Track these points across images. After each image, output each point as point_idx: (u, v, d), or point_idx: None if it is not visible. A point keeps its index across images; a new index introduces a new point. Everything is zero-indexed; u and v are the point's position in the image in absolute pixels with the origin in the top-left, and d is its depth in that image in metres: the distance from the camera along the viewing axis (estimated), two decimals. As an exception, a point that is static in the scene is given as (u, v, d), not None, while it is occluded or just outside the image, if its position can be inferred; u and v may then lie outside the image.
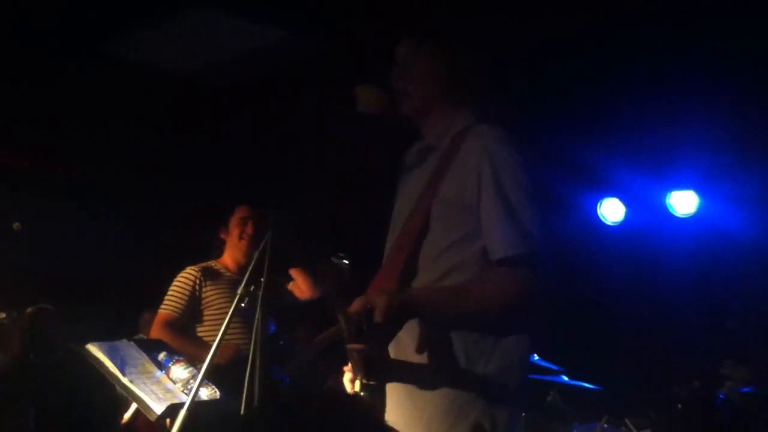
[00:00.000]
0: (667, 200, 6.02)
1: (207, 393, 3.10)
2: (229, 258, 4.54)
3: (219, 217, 4.63)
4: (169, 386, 3.13)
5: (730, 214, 5.81)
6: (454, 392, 2.28)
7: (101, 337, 4.35)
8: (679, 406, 4.89)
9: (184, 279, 4.39)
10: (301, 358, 4.70)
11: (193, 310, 4.35)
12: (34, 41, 4.58)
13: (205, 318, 4.37)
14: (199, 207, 5.54)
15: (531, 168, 2.35)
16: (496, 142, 2.34)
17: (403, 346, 2.35)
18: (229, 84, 5.00)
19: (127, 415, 4.50)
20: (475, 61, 2.56)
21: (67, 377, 4.95)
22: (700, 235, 5.92)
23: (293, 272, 4.38)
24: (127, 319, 5.67)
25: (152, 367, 3.17)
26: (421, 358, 2.32)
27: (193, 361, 3.38)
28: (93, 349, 3.10)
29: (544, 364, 5.06)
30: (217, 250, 4.58)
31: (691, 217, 5.97)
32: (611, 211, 6.34)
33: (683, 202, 5.99)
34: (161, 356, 3.22)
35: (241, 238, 4.49)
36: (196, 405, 2.66)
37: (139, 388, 3.03)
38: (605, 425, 4.98)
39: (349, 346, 2.18)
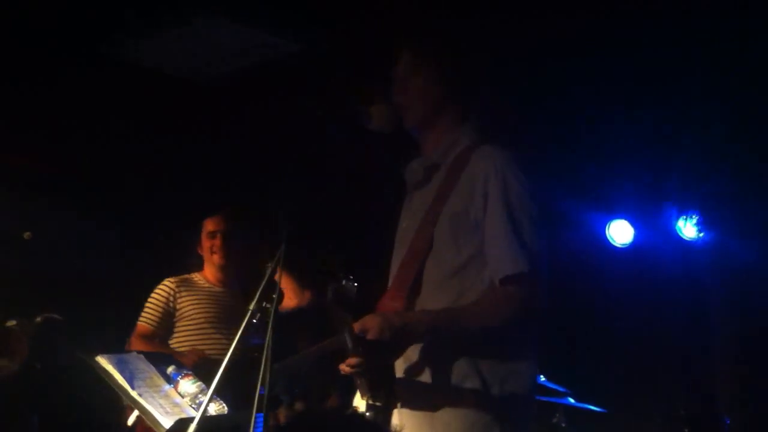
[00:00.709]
0: (676, 223, 6.02)
1: (215, 408, 3.10)
2: (207, 271, 4.57)
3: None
4: (176, 400, 3.12)
5: (737, 239, 5.81)
6: (473, 416, 2.29)
7: (105, 342, 4.36)
8: (686, 430, 4.87)
9: (159, 291, 4.43)
10: (285, 369, 4.67)
11: (168, 322, 4.39)
12: (35, 41, 4.58)
13: (177, 329, 4.40)
14: (203, 209, 5.53)
15: (536, 190, 2.38)
16: (504, 164, 2.37)
17: (414, 368, 2.36)
18: (229, 84, 5.00)
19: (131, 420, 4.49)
20: (475, 76, 2.57)
21: (71, 386, 4.95)
22: (707, 259, 5.92)
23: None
24: (129, 323, 5.66)
25: (160, 381, 3.17)
26: (434, 381, 2.33)
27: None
28: (102, 361, 3.10)
29: (550, 385, 5.05)
30: (199, 262, 4.61)
31: (698, 240, 5.96)
32: (620, 232, 6.34)
33: (691, 226, 6.00)
34: (170, 370, 3.22)
35: (212, 252, 4.52)
36: (205, 420, 2.65)
37: (147, 401, 3.02)
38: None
39: (348, 361, 2.19)
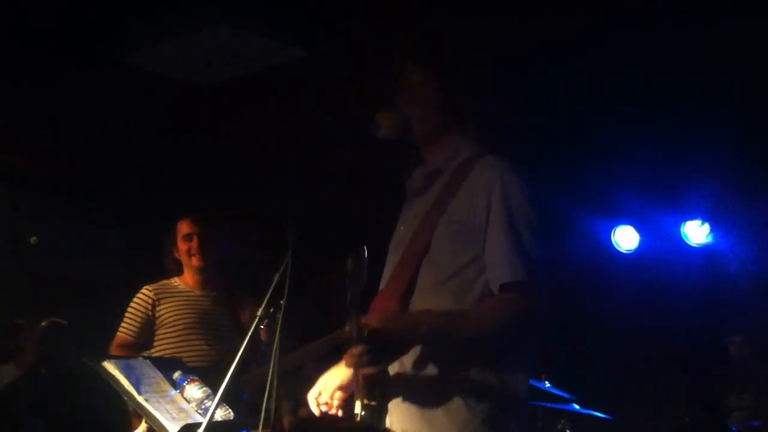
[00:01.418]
0: (681, 229, 6.02)
1: (221, 414, 3.09)
2: (187, 275, 4.50)
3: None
4: (183, 406, 3.11)
5: (743, 245, 5.80)
6: (464, 421, 2.30)
7: (101, 347, 4.36)
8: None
9: (138, 300, 4.38)
10: (289, 362, 4.66)
11: (149, 330, 4.35)
12: (35, 41, 4.59)
13: (158, 336, 4.36)
14: (203, 209, 5.54)
15: (539, 200, 2.40)
16: (507, 174, 2.39)
17: (407, 370, 2.37)
18: (229, 84, 5.00)
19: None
20: (482, 88, 2.59)
21: (77, 391, 4.95)
22: (713, 265, 5.91)
23: None
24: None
25: (167, 386, 3.16)
26: (426, 384, 2.36)
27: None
28: (109, 366, 3.09)
29: (555, 391, 5.04)
30: (177, 266, 4.53)
31: (704, 246, 5.96)
32: (625, 238, 6.33)
33: (697, 232, 5.99)
34: (176, 375, 3.21)
35: (190, 255, 4.44)
36: (211, 426, 2.65)
37: (153, 406, 3.01)
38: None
39: (351, 350, 2.22)
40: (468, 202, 2.39)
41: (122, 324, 4.37)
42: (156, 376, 3.17)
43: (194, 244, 4.43)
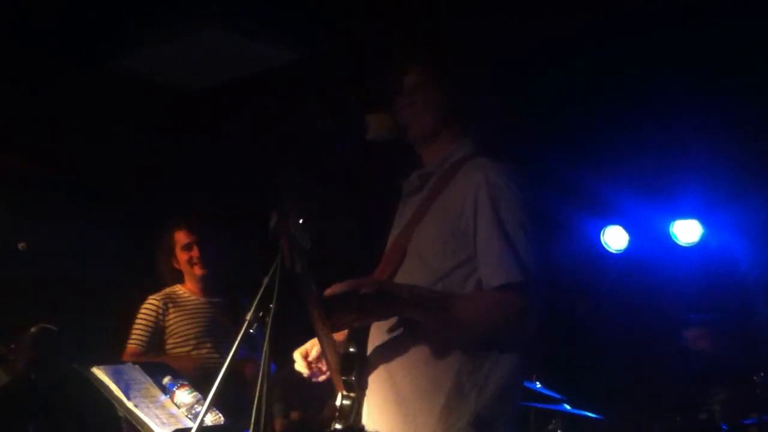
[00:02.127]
0: (670, 229, 6.03)
1: (211, 418, 3.09)
2: (190, 282, 4.48)
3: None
4: (173, 411, 3.12)
5: (734, 244, 5.82)
6: (446, 420, 2.30)
7: (103, 350, 4.33)
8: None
9: (147, 310, 4.36)
10: (283, 379, 4.68)
11: (158, 340, 4.32)
12: (33, 42, 4.58)
13: (168, 346, 4.33)
14: (195, 213, 5.51)
15: (530, 202, 2.39)
16: (497, 175, 2.38)
17: (389, 365, 2.37)
18: (228, 84, 4.99)
19: None
20: (479, 92, 2.59)
21: (68, 397, 4.93)
22: (703, 264, 5.93)
23: None
24: (126, 328, 5.64)
25: (156, 391, 3.16)
26: (409, 381, 2.35)
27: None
28: (98, 372, 3.09)
29: (546, 392, 5.05)
30: (177, 276, 4.50)
31: (694, 246, 5.98)
32: (614, 239, 6.35)
33: (687, 231, 6.01)
34: (166, 380, 3.21)
35: (192, 264, 4.41)
36: (202, 431, 2.65)
37: (143, 412, 3.01)
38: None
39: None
40: (454, 203, 2.39)
41: (132, 335, 4.32)
42: (145, 381, 3.17)
43: (195, 252, 4.41)
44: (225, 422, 3.16)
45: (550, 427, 5.10)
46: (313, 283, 2.36)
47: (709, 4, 4.08)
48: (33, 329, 5.01)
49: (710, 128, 5.10)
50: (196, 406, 3.14)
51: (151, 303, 4.37)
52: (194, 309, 4.40)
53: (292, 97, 5.07)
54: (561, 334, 5.58)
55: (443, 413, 2.30)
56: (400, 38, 4.00)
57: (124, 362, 3.38)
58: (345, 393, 2.39)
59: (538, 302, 2.30)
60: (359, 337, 2.42)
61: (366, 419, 2.41)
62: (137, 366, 3.26)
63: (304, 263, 2.35)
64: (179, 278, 4.50)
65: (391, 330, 2.40)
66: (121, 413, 3.17)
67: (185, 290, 4.46)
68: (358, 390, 2.38)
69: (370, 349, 2.43)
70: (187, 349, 4.31)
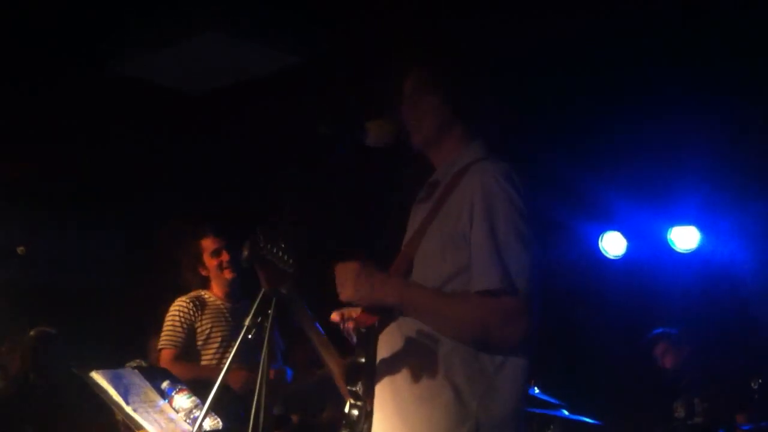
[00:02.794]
0: (668, 235, 6.04)
1: (210, 423, 3.09)
2: (217, 288, 4.51)
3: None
4: (171, 415, 3.12)
5: (731, 250, 5.83)
6: (447, 423, 2.30)
7: (103, 354, 4.33)
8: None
9: (178, 311, 4.37)
10: (291, 387, 4.70)
11: (191, 341, 4.33)
12: (32, 45, 4.58)
13: (202, 350, 4.34)
14: (196, 213, 5.50)
15: (527, 206, 2.36)
16: (494, 179, 2.36)
17: (392, 375, 2.38)
18: (228, 88, 5.00)
19: None
20: (482, 96, 2.59)
21: (66, 401, 4.93)
22: (701, 271, 5.94)
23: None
24: (126, 335, 5.65)
25: (155, 396, 3.16)
26: (410, 391, 2.36)
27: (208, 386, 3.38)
28: (97, 376, 3.09)
29: (544, 397, 5.05)
30: (203, 283, 4.54)
31: (692, 252, 5.99)
32: (613, 244, 6.36)
33: (684, 238, 6.02)
34: (164, 385, 3.22)
35: (221, 269, 4.46)
36: (200, 435, 2.66)
37: (142, 416, 3.02)
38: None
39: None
40: (456, 209, 2.39)
41: (166, 338, 4.32)
42: (144, 385, 3.18)
43: (225, 257, 4.46)
44: (223, 426, 3.16)
45: (548, 432, 5.09)
46: (303, 301, 2.38)
47: (709, 4, 4.08)
48: (32, 332, 5.03)
49: (709, 134, 5.11)
50: (194, 410, 3.15)
51: (184, 304, 4.39)
52: (223, 314, 4.43)
53: (291, 98, 5.07)
54: (559, 340, 5.58)
55: (444, 421, 2.30)
56: (399, 41, 4.01)
57: (123, 366, 3.39)
58: (352, 402, 2.39)
59: (528, 310, 2.28)
60: (366, 347, 2.43)
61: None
62: (136, 370, 3.27)
63: (289, 285, 2.37)
64: (205, 284, 4.54)
65: (393, 339, 2.41)
66: (119, 418, 3.17)
67: (211, 295, 4.49)
68: (366, 399, 2.38)
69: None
70: (221, 353, 4.33)
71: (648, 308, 5.96)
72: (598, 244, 6.36)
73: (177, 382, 3.26)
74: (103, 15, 4.37)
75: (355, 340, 2.47)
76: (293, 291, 2.39)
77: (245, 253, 2.35)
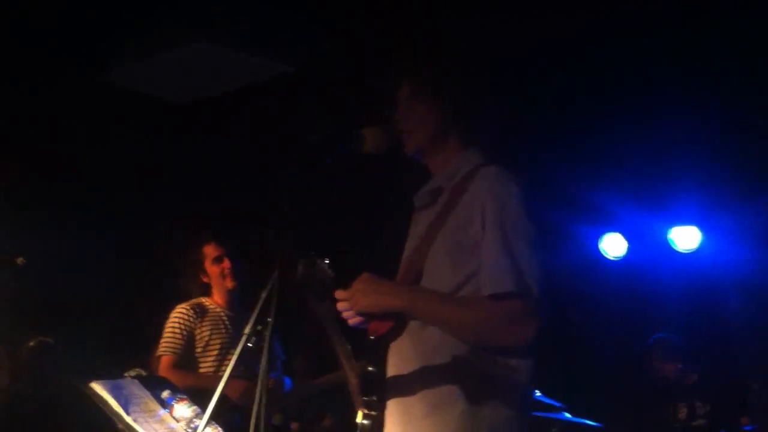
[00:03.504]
0: (668, 235, 6.04)
1: (210, 432, 3.08)
2: (217, 295, 4.49)
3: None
4: (172, 425, 3.10)
5: (732, 250, 5.83)
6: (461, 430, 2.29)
7: (100, 364, 4.31)
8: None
9: (178, 318, 4.35)
10: (291, 397, 4.69)
11: (190, 349, 4.32)
12: (30, 55, 4.58)
13: (201, 358, 4.32)
14: (190, 216, 5.47)
15: (536, 211, 2.36)
16: (502, 184, 2.36)
17: (402, 383, 2.37)
18: (227, 90, 4.99)
19: None
20: (478, 100, 2.57)
21: (65, 411, 4.92)
22: (702, 271, 5.94)
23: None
24: (124, 345, 5.63)
25: (155, 406, 3.14)
26: (421, 400, 2.34)
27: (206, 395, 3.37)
28: (96, 387, 3.07)
29: (545, 400, 5.04)
30: (204, 290, 4.52)
31: (693, 252, 5.98)
32: (613, 246, 6.35)
33: (685, 238, 6.02)
34: (164, 394, 3.19)
35: (223, 276, 4.43)
36: (201, 445, 2.64)
37: (142, 427, 3.00)
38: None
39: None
40: (465, 215, 2.37)
41: (164, 345, 4.30)
42: (144, 395, 3.16)
43: (226, 264, 4.43)
44: (224, 436, 3.15)
45: (550, 435, 5.08)
46: (336, 318, 2.38)
47: (710, 4, 4.08)
48: (31, 343, 5.01)
49: (709, 134, 5.11)
50: (195, 420, 3.13)
51: (183, 311, 4.37)
52: (223, 322, 4.41)
53: (290, 99, 5.06)
54: (560, 342, 5.57)
55: (459, 429, 2.29)
56: (397, 45, 3.99)
57: (123, 377, 3.37)
58: (366, 412, 2.37)
59: (539, 313, 2.26)
60: (378, 357, 2.42)
61: None
62: (136, 380, 3.25)
63: (331, 303, 2.39)
64: (206, 292, 4.52)
65: (404, 346, 2.40)
66: (120, 428, 3.16)
67: (212, 302, 4.48)
68: (379, 409, 2.37)
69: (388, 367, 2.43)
70: (220, 360, 4.31)
71: (649, 309, 5.96)
72: (598, 245, 6.35)
73: (177, 392, 3.24)
74: (99, 22, 4.36)
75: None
76: (331, 309, 2.40)
77: (299, 271, 2.37)
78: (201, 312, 4.39)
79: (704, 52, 4.39)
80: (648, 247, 6.22)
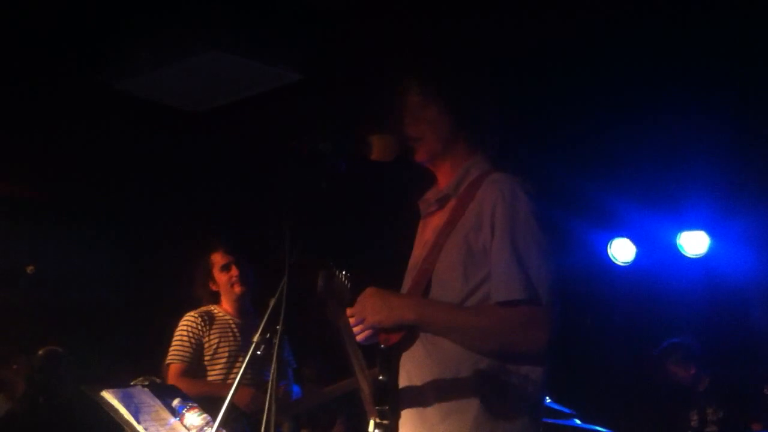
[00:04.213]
0: (677, 241, 6.02)
1: (221, 440, 3.08)
2: (226, 303, 4.51)
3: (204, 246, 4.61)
4: (182, 433, 3.11)
5: (741, 255, 5.81)
6: None
7: (109, 372, 4.31)
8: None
9: (187, 326, 4.37)
10: (300, 405, 4.69)
11: (200, 357, 4.33)
12: (33, 61, 4.59)
13: (210, 365, 4.34)
14: (198, 224, 5.48)
15: (545, 217, 2.36)
16: (512, 192, 2.36)
17: (415, 393, 2.37)
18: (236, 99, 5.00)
19: None
20: (485, 107, 2.57)
21: (76, 420, 4.93)
22: (710, 276, 5.92)
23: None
24: (134, 353, 5.64)
25: (166, 414, 3.15)
26: (434, 409, 2.35)
27: (215, 402, 3.37)
28: (107, 396, 3.09)
29: (556, 407, 5.02)
30: (213, 298, 4.54)
31: (701, 257, 5.97)
32: (622, 251, 6.33)
33: (694, 243, 6.00)
34: (175, 403, 3.20)
35: (231, 284, 4.46)
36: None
37: (153, 435, 3.01)
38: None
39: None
40: (475, 222, 2.38)
41: (173, 353, 4.32)
42: (155, 404, 3.17)
43: (234, 272, 4.46)
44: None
45: (561, 442, 5.06)
46: (352, 331, 2.39)
47: (712, 4, 4.07)
48: (41, 352, 5.02)
49: (717, 137, 5.09)
50: (205, 428, 3.13)
51: (192, 319, 4.39)
52: (233, 329, 4.43)
53: (292, 103, 5.07)
54: (569, 348, 5.55)
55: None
56: (400, 51, 3.99)
57: (130, 384, 3.38)
58: (378, 421, 2.36)
59: (550, 319, 2.27)
60: (390, 366, 2.42)
61: None
62: (146, 389, 3.25)
63: (347, 316, 2.39)
64: (215, 299, 4.54)
65: (416, 356, 2.39)
66: (130, 435, 3.16)
67: (221, 310, 4.49)
68: (392, 418, 2.36)
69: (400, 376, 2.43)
70: (229, 368, 4.32)
71: (658, 315, 5.94)
72: (606, 250, 6.34)
73: (188, 400, 3.25)
74: (103, 31, 4.37)
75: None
76: (347, 322, 2.40)
77: (320, 284, 2.35)
78: (209, 320, 4.41)
79: (717, 56, 4.38)
80: (656, 252, 6.20)
